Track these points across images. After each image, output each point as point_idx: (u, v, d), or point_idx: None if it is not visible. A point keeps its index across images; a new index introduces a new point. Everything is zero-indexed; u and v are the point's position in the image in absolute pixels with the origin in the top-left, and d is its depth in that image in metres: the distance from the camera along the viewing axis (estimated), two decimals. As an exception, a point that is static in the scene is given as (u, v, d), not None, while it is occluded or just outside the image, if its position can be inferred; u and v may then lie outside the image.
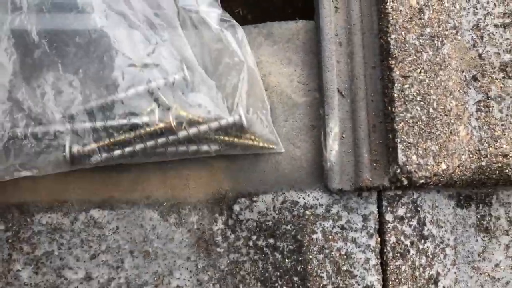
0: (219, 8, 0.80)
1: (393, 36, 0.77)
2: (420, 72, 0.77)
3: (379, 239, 0.81)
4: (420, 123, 0.76)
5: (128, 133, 0.76)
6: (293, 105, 0.83)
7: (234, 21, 0.81)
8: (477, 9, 0.82)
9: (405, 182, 0.76)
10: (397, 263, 0.81)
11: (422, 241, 0.82)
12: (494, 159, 0.79)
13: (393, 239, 0.81)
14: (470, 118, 0.79)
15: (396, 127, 0.76)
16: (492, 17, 0.81)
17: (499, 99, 0.80)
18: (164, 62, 0.77)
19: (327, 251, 0.81)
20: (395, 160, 0.76)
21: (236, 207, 0.82)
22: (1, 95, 0.74)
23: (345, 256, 0.81)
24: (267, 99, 0.81)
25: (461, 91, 0.79)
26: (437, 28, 0.79)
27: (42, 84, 0.76)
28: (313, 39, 0.84)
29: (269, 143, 0.81)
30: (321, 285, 0.80)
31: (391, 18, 0.77)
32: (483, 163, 0.79)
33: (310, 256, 0.80)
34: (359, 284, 0.80)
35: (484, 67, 0.80)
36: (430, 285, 0.81)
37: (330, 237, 0.81)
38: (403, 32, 0.77)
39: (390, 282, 0.80)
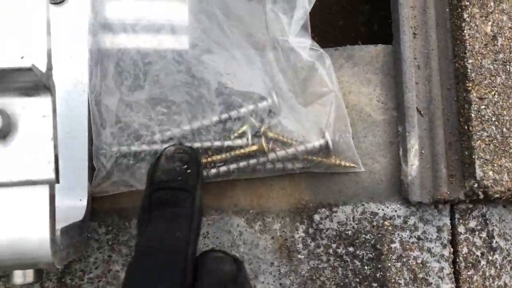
0: (309, 39, 0.85)
1: (470, 61, 0.83)
2: (495, 94, 0.83)
3: (452, 249, 0.87)
4: (496, 141, 0.82)
5: (224, 154, 0.82)
6: (372, 122, 0.89)
7: (322, 50, 0.86)
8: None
9: (481, 196, 0.81)
10: (469, 273, 0.86)
11: (491, 252, 0.87)
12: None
13: (465, 249, 0.86)
14: (540, 138, 0.85)
15: (474, 144, 0.81)
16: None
17: None
18: (256, 88, 0.83)
19: (404, 259, 0.86)
20: (472, 175, 0.82)
21: (317, 217, 0.87)
22: (110, 119, 0.81)
23: (421, 265, 0.86)
24: (349, 122, 0.86)
25: (531, 112, 0.85)
26: (509, 54, 0.85)
27: (146, 107, 0.82)
28: (391, 62, 0.90)
29: (351, 162, 0.86)
30: (398, 291, 0.85)
31: (468, 44, 0.84)
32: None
33: (389, 264, 0.86)
34: (434, 292, 0.85)
35: (552, 91, 0.86)
36: (500, 295, 0.86)
37: (407, 246, 0.86)
38: (479, 57, 0.83)
39: (464, 291, 0.85)
